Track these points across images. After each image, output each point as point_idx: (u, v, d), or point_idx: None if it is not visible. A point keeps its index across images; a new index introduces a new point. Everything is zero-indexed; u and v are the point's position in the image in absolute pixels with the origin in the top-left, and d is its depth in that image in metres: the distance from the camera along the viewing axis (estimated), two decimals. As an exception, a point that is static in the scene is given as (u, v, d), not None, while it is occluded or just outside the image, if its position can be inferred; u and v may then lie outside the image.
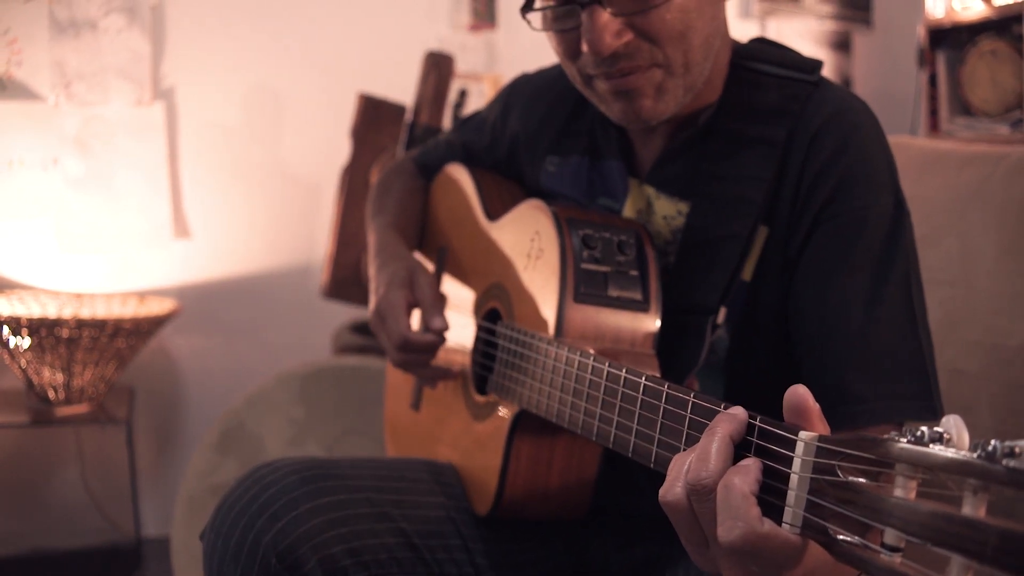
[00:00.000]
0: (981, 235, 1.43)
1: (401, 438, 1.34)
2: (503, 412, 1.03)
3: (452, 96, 2.33)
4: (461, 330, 1.18)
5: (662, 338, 0.96)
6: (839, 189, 0.94)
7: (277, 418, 2.18)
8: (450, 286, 1.25)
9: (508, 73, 2.79)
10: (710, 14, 0.95)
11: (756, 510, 0.61)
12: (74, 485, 2.55)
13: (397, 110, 2.35)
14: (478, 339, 1.14)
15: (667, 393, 0.74)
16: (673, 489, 0.66)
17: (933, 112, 2.86)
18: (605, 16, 0.91)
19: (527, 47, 3.02)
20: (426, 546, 1.02)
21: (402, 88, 2.46)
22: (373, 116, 2.35)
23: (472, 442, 1.10)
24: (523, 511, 1.03)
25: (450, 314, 1.21)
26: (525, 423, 0.99)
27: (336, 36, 2.71)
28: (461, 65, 2.66)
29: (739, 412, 0.66)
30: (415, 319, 1.14)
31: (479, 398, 1.10)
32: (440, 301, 1.13)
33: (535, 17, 0.98)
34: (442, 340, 1.10)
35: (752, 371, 0.99)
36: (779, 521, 0.61)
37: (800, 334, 0.95)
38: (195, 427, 2.64)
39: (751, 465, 0.63)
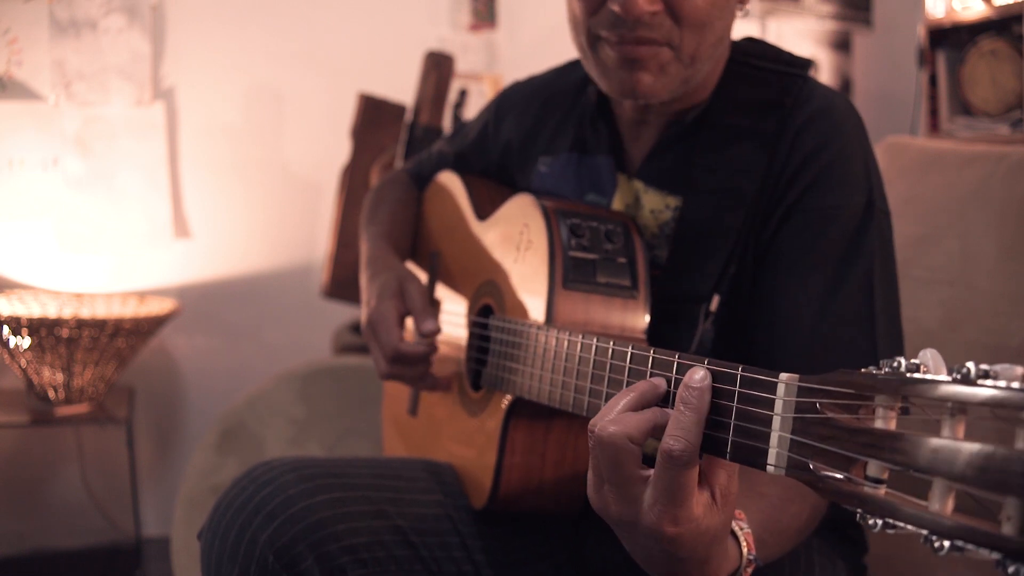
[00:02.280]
0: (981, 235, 1.43)
1: (400, 444, 1.34)
2: (497, 404, 1.04)
3: (452, 96, 2.33)
4: (455, 330, 1.18)
5: (655, 326, 0.97)
6: (813, 185, 0.95)
7: (277, 418, 2.18)
8: (444, 290, 1.25)
9: (508, 73, 2.80)
10: (728, 18, 0.99)
11: (633, 428, 0.67)
12: (74, 485, 2.55)
13: (397, 110, 2.35)
14: (472, 336, 1.14)
15: (653, 358, 0.75)
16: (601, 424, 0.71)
17: (933, 112, 2.86)
18: None
19: (527, 47, 3.02)
20: (423, 543, 1.03)
21: (402, 88, 2.46)
22: (373, 116, 2.35)
23: (468, 438, 1.10)
24: (519, 503, 1.03)
25: (445, 317, 1.21)
26: (519, 411, 1.00)
27: (336, 36, 2.71)
28: (461, 65, 2.66)
29: (659, 383, 0.71)
30: (408, 329, 1.14)
31: (474, 394, 1.11)
32: (431, 306, 1.14)
33: None
34: (433, 350, 1.11)
35: (738, 358, 1.00)
36: (764, 464, 0.62)
37: (756, 321, 0.97)
38: (195, 427, 2.64)
39: (707, 386, 0.67)
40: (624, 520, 0.70)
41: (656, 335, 0.98)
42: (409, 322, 1.14)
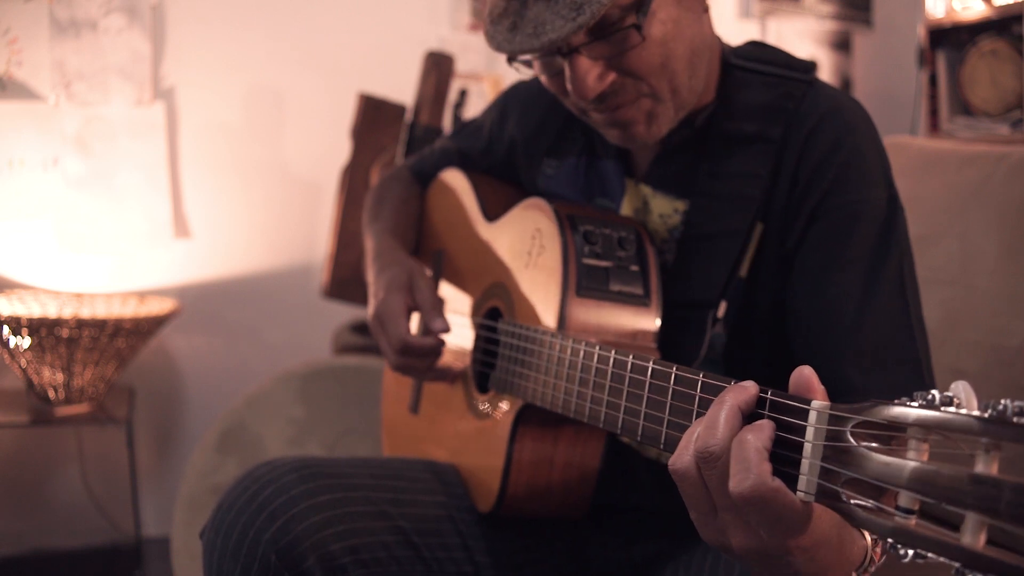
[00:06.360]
0: (981, 235, 1.43)
1: (399, 442, 1.34)
2: (506, 408, 1.03)
3: (452, 96, 2.33)
4: (461, 330, 1.18)
5: (663, 333, 0.97)
6: (833, 185, 0.95)
7: (277, 418, 2.18)
8: (448, 288, 1.25)
9: (508, 73, 2.79)
10: (690, 35, 0.96)
11: (768, 465, 0.63)
12: (74, 485, 2.55)
13: (397, 110, 2.35)
14: (479, 338, 1.14)
15: (676, 375, 0.75)
16: (683, 457, 0.68)
17: (933, 112, 2.87)
18: (585, 63, 0.93)
19: (527, 47, 3.02)
20: (425, 544, 1.03)
21: (402, 88, 2.46)
22: (373, 116, 2.35)
23: (474, 440, 1.10)
24: (525, 508, 1.03)
25: (449, 316, 1.21)
26: (528, 417, 1.00)
27: (336, 36, 2.71)
28: (461, 65, 2.66)
29: (750, 384, 0.67)
30: (414, 323, 1.14)
31: (480, 397, 1.11)
32: (440, 303, 1.14)
33: (523, 65, 1.00)
34: (442, 344, 1.11)
35: (750, 366, 1.00)
36: (794, 490, 0.62)
37: (796, 327, 0.96)
38: (195, 427, 2.64)
39: (765, 424, 0.64)
40: (759, 552, 0.66)
41: (665, 341, 0.98)
42: (416, 317, 1.14)
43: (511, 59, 0.98)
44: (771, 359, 0.99)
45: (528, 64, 1.00)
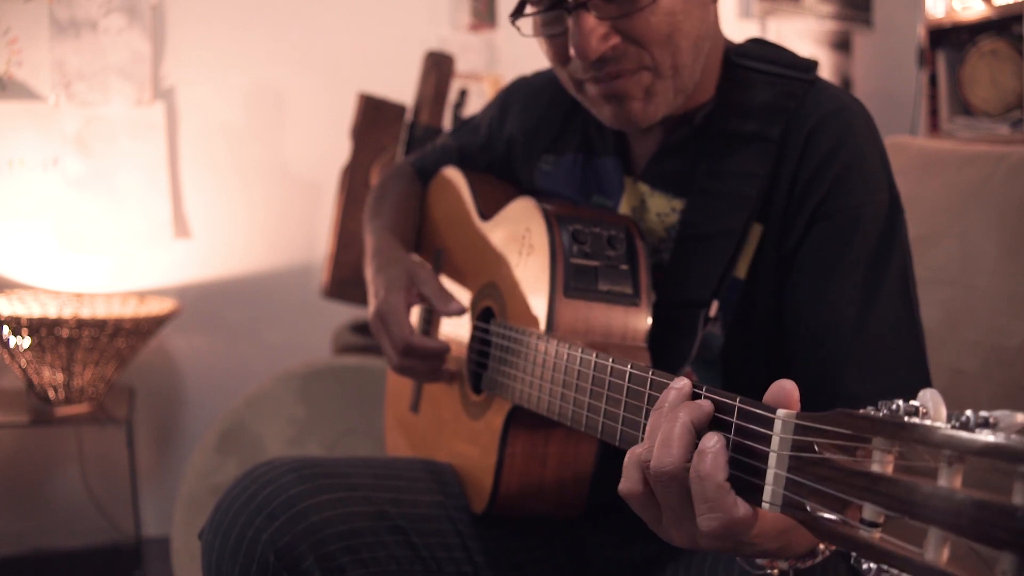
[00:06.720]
0: (981, 235, 1.43)
1: (401, 441, 1.34)
2: (497, 409, 1.03)
3: (452, 96, 2.33)
4: (457, 331, 1.18)
5: (655, 332, 0.97)
6: (834, 187, 0.94)
7: (277, 418, 2.18)
8: (447, 287, 1.25)
9: (508, 73, 2.80)
10: (698, 16, 0.95)
11: (731, 496, 0.63)
12: (74, 485, 2.55)
13: (397, 110, 2.35)
14: (473, 338, 1.14)
15: (651, 380, 0.74)
16: (628, 482, 0.68)
17: (933, 112, 2.87)
18: (591, 21, 0.92)
19: (527, 47, 3.00)
20: (424, 544, 1.03)
21: (402, 88, 2.46)
22: (373, 116, 2.35)
23: (468, 440, 1.10)
24: (519, 508, 1.03)
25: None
26: (519, 418, 1.00)
27: (336, 36, 2.71)
28: (461, 65, 2.66)
29: (705, 403, 0.67)
30: (415, 321, 1.14)
31: (474, 397, 1.11)
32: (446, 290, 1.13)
33: (525, 23, 0.99)
34: (447, 348, 1.10)
35: (748, 367, 1.00)
36: (759, 500, 0.61)
37: (795, 331, 0.95)
38: (195, 427, 2.64)
39: (718, 449, 0.63)
40: (731, 549, 0.68)
41: (657, 341, 0.97)
42: (416, 315, 1.14)
43: (516, 14, 0.97)
44: (769, 360, 0.99)
45: (533, 20, 0.98)
